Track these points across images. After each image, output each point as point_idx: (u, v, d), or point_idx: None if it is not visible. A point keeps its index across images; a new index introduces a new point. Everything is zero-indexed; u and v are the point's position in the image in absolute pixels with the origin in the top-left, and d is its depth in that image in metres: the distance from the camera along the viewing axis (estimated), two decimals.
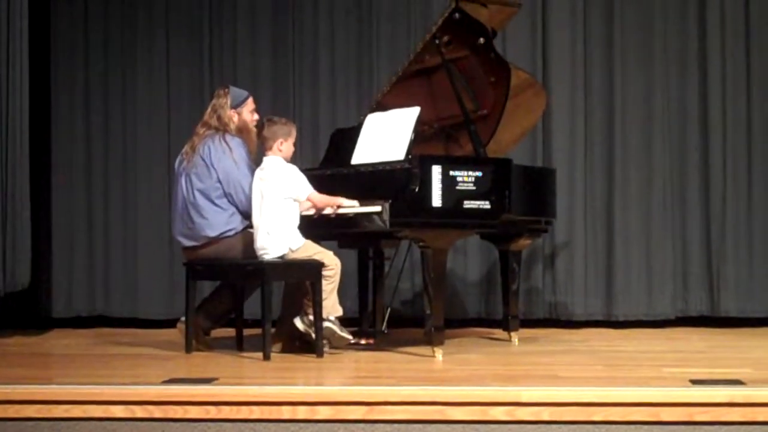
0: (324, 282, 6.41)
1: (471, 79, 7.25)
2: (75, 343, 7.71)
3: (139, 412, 4.76)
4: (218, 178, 6.70)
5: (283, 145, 6.55)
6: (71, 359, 6.86)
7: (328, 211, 6.56)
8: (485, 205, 6.44)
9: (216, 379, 5.25)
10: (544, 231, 7.54)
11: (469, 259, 8.71)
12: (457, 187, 6.34)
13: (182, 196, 6.81)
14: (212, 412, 4.74)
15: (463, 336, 7.82)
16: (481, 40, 7.10)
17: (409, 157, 6.47)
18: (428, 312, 6.45)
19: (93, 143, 9.04)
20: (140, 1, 9.05)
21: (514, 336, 7.40)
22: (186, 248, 6.86)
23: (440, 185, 6.27)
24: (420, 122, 6.71)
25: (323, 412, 4.70)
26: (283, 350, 6.65)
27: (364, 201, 6.44)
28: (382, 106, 7.09)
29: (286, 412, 4.71)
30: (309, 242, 6.50)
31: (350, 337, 6.59)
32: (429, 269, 6.39)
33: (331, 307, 6.46)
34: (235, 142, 6.78)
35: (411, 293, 8.66)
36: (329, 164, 7.19)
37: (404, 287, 8.48)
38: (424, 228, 6.31)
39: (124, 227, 8.99)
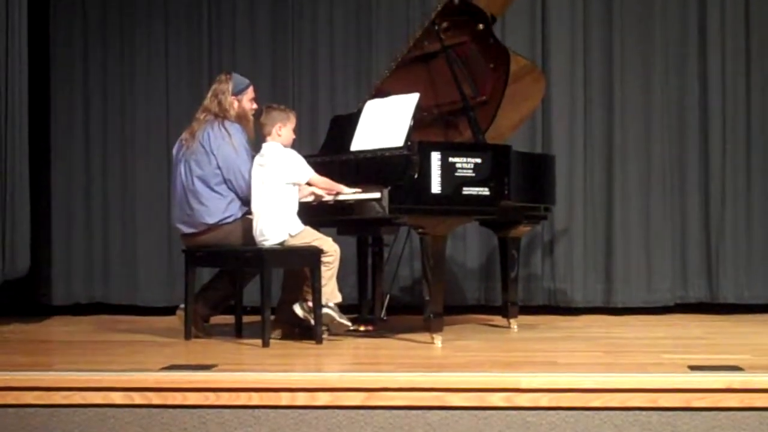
0: (323, 268, 6.41)
1: (470, 66, 7.25)
2: (74, 330, 7.72)
3: (138, 398, 4.76)
4: (217, 164, 6.69)
5: (282, 130, 6.54)
6: (70, 346, 6.87)
7: (327, 198, 6.56)
8: (484, 191, 6.44)
9: (215, 365, 5.25)
10: (543, 218, 7.53)
11: (468, 245, 8.71)
12: (456, 174, 6.34)
13: (181, 182, 6.80)
14: (211, 398, 4.74)
15: (462, 323, 7.83)
16: (480, 26, 7.09)
17: (409, 143, 6.46)
18: (427, 299, 6.45)
19: (92, 130, 9.04)
20: None
21: (513, 323, 7.40)
22: (185, 235, 6.85)
23: (439, 172, 6.27)
24: (419, 109, 6.70)
25: (322, 399, 4.70)
26: (283, 337, 6.66)
27: (363, 188, 6.44)
28: (381, 93, 7.08)
29: (285, 399, 4.72)
30: (308, 228, 6.49)
31: (349, 323, 6.60)
32: (428, 256, 6.39)
33: (330, 294, 6.46)
34: (235, 129, 6.77)
35: (410, 280, 8.67)
36: (328, 151, 7.19)
37: (403, 274, 8.49)
38: (423, 215, 6.31)
39: (123, 214, 8.99)
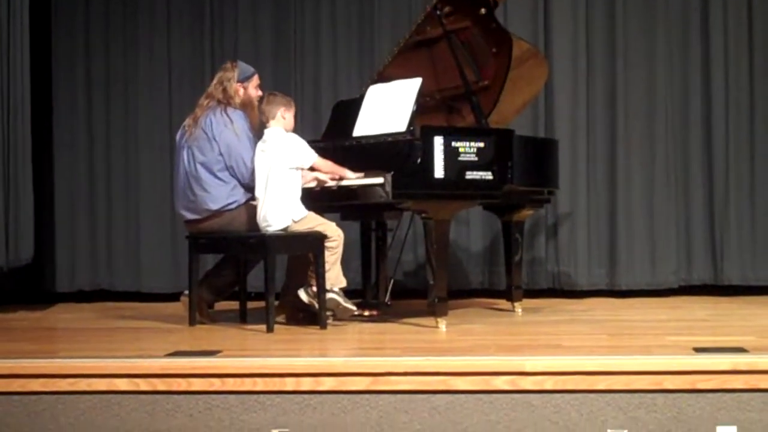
0: (327, 253, 6.41)
1: (472, 50, 7.23)
2: (79, 318, 7.73)
3: (143, 385, 4.77)
4: (220, 150, 6.69)
5: (286, 115, 6.54)
6: (75, 333, 6.88)
7: (330, 183, 6.56)
8: (487, 175, 6.44)
9: (220, 351, 5.26)
10: (546, 201, 7.53)
11: (472, 229, 8.71)
12: (459, 158, 6.33)
13: (184, 169, 6.80)
14: (216, 384, 4.75)
15: (467, 307, 7.83)
16: (483, 10, 7.08)
17: (411, 128, 6.45)
18: (431, 283, 6.45)
19: (95, 118, 9.03)
20: None
21: (518, 306, 7.41)
22: (188, 221, 6.85)
23: (442, 156, 6.27)
24: (422, 93, 6.69)
25: (327, 384, 4.71)
26: (287, 321, 6.67)
27: (366, 173, 6.44)
28: (383, 78, 7.07)
29: (290, 384, 4.73)
30: (312, 214, 6.49)
31: (354, 308, 6.60)
32: (432, 240, 6.39)
33: (335, 279, 6.47)
34: (237, 115, 6.77)
35: (414, 265, 8.66)
36: (331, 136, 7.18)
37: (407, 259, 8.48)
38: (427, 199, 6.31)
39: (127, 201, 8.99)
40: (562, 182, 7.77)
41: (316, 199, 6.64)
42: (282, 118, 6.53)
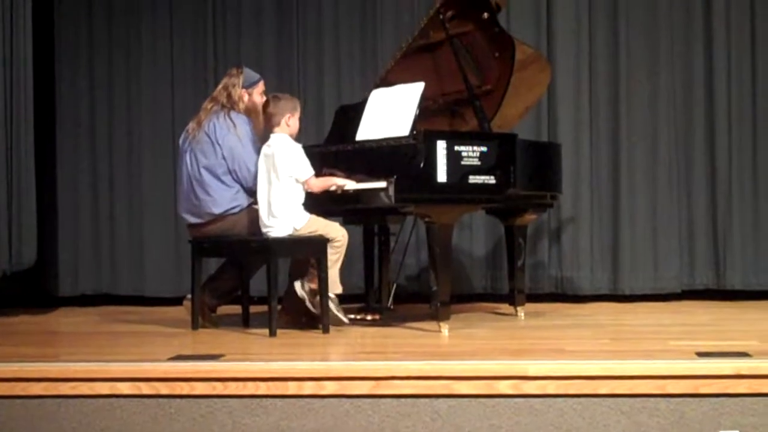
0: (330, 251, 6.41)
1: (475, 54, 7.23)
2: (81, 321, 7.73)
3: (145, 388, 4.77)
4: (223, 154, 6.70)
5: (291, 121, 6.54)
6: (78, 337, 6.88)
7: (333, 188, 6.55)
8: (490, 180, 6.44)
9: (222, 355, 5.26)
10: (549, 206, 7.53)
11: (475, 234, 8.71)
12: (462, 163, 6.33)
13: (187, 172, 6.81)
14: (219, 388, 4.75)
15: (469, 311, 7.83)
16: (485, 14, 7.08)
17: (414, 132, 6.45)
18: (434, 287, 6.44)
19: (97, 122, 9.05)
20: None
21: (520, 310, 7.40)
22: (191, 225, 6.86)
23: (445, 161, 6.27)
24: (425, 98, 6.69)
25: (330, 388, 4.71)
26: (289, 325, 6.65)
27: (369, 177, 6.43)
28: (386, 82, 7.07)
29: (292, 388, 4.72)
30: (313, 217, 6.49)
31: (346, 320, 6.56)
32: (435, 245, 6.39)
33: (332, 284, 6.45)
34: (240, 120, 6.78)
35: (417, 269, 8.66)
36: (334, 141, 7.19)
37: (410, 263, 8.48)
38: (430, 203, 6.31)
39: (130, 205, 9.00)
40: (565, 187, 7.75)
41: (318, 203, 6.63)
42: (286, 125, 6.53)
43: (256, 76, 7.00)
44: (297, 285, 6.53)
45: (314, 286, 6.49)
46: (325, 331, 6.36)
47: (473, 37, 7.21)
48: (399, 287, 7.62)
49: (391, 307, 7.30)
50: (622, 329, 6.70)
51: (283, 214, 6.40)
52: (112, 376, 4.81)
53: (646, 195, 8.56)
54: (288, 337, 6.28)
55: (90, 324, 7.51)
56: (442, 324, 6.36)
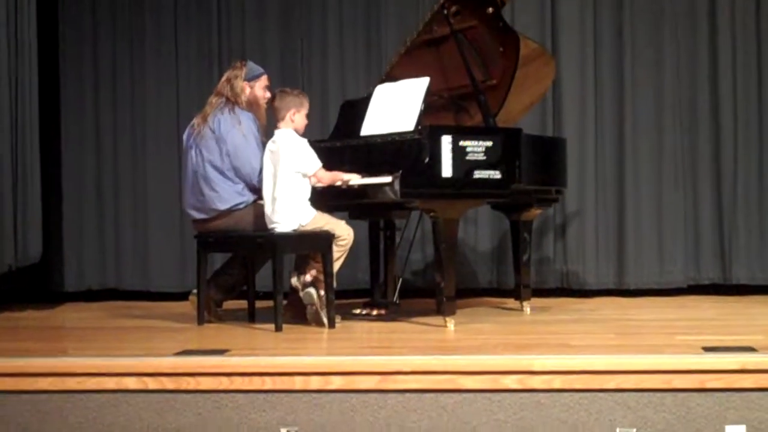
0: (334, 248, 6.41)
1: (480, 49, 7.23)
2: (87, 317, 7.74)
3: (151, 383, 4.78)
4: (227, 151, 6.70)
5: (296, 116, 6.53)
6: (84, 332, 6.89)
7: (339, 183, 6.55)
8: (495, 175, 6.43)
9: (228, 350, 5.26)
10: (554, 200, 7.52)
11: (480, 229, 8.71)
12: (467, 158, 6.33)
13: (192, 168, 6.81)
14: (224, 383, 4.76)
15: (475, 306, 7.82)
16: (490, 9, 7.08)
17: (419, 127, 6.45)
18: (440, 282, 6.44)
19: (102, 116, 9.04)
20: None
21: (526, 305, 7.40)
22: (196, 221, 6.86)
23: (450, 155, 6.26)
24: (429, 93, 6.68)
25: (336, 382, 4.71)
26: (295, 319, 6.65)
27: (374, 172, 6.43)
28: (391, 77, 7.07)
29: (298, 383, 4.73)
30: (319, 214, 6.49)
31: (325, 322, 6.45)
32: (440, 239, 6.39)
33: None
34: (245, 116, 6.77)
35: (422, 264, 8.67)
36: (339, 136, 7.18)
37: (415, 258, 8.48)
38: (435, 198, 6.31)
39: (135, 200, 9.00)
40: (570, 181, 7.75)
41: (324, 198, 6.64)
42: (291, 121, 6.52)
43: (259, 70, 7.00)
44: (293, 278, 6.52)
45: (309, 278, 6.48)
46: (331, 325, 6.36)
47: (478, 31, 7.20)
48: (404, 282, 7.63)
49: (397, 302, 7.29)
50: (627, 324, 6.70)
51: (289, 210, 6.39)
52: (118, 371, 4.82)
53: (652, 189, 8.55)
54: (294, 332, 6.28)
55: (96, 319, 7.52)
56: (447, 319, 6.36)
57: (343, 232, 6.49)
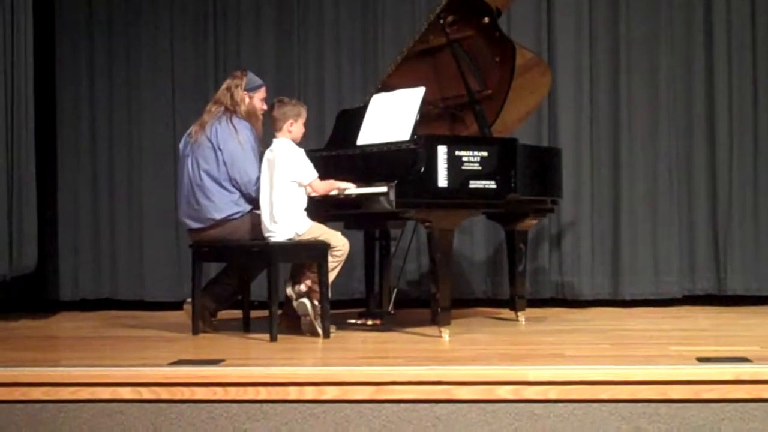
0: (329, 258, 6.41)
1: (476, 59, 7.23)
2: (82, 326, 7.72)
3: (146, 393, 4.77)
4: (224, 160, 6.69)
5: (293, 126, 6.55)
6: (78, 342, 6.87)
7: (334, 192, 6.55)
8: (491, 185, 6.44)
9: (223, 360, 5.25)
10: (550, 211, 7.52)
11: (476, 239, 8.71)
12: (463, 168, 6.33)
13: (188, 177, 6.80)
14: (219, 393, 4.75)
15: (470, 316, 7.83)
16: (486, 19, 7.09)
17: (415, 137, 6.45)
18: (435, 292, 6.44)
19: (98, 126, 9.05)
20: None
21: (521, 316, 7.40)
22: (192, 230, 6.86)
23: (446, 165, 6.27)
24: (425, 102, 6.69)
25: (330, 393, 4.71)
26: (290, 329, 6.65)
27: (369, 182, 6.43)
28: (387, 87, 7.07)
29: (293, 393, 4.73)
30: (315, 224, 6.49)
31: (320, 332, 6.46)
32: (435, 250, 6.39)
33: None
34: (242, 125, 6.77)
35: (417, 274, 8.67)
36: (335, 145, 7.19)
37: (411, 268, 8.49)
38: (430, 208, 6.31)
39: (130, 210, 9.00)
40: (566, 191, 7.75)
41: (320, 208, 6.64)
42: (288, 132, 6.53)
43: (259, 81, 7.01)
44: (288, 287, 6.52)
45: (303, 288, 6.48)
46: (326, 336, 6.36)
47: (474, 41, 7.21)
48: (400, 292, 7.63)
49: (392, 312, 7.29)
50: (622, 334, 6.69)
51: (285, 219, 6.40)
52: (113, 381, 4.81)
53: (647, 200, 8.56)
54: (289, 342, 6.28)
55: (90, 329, 7.51)
56: (442, 329, 6.36)
57: (339, 242, 6.49)
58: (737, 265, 8.46)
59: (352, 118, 7.11)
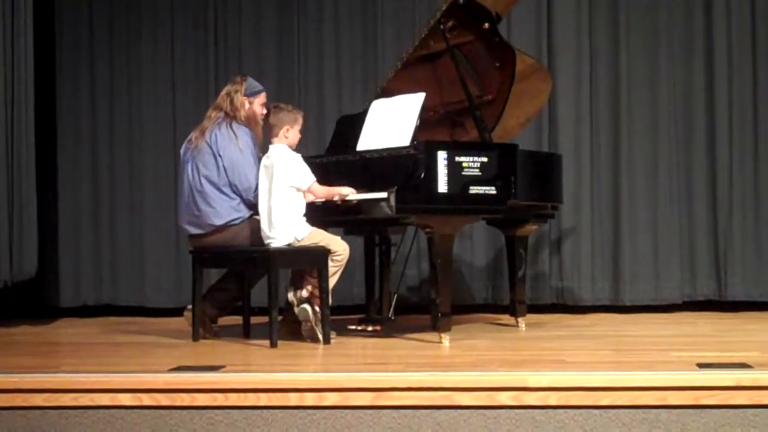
0: (330, 263, 6.41)
1: (476, 65, 7.24)
2: (82, 332, 7.72)
3: (146, 400, 4.77)
4: (224, 166, 6.69)
5: (289, 132, 6.54)
6: (79, 348, 6.87)
7: (335, 198, 6.55)
8: (491, 190, 6.44)
9: (223, 366, 5.25)
10: (550, 216, 7.52)
11: (476, 244, 8.71)
12: (463, 173, 6.33)
13: (188, 183, 6.80)
14: (220, 399, 4.74)
15: (470, 322, 7.82)
16: (486, 25, 7.09)
17: (415, 143, 6.46)
18: (435, 298, 6.44)
19: (98, 131, 9.06)
20: None
21: (521, 321, 7.40)
22: (192, 236, 6.85)
23: (446, 171, 6.27)
24: (425, 108, 6.70)
25: (331, 399, 4.70)
26: (290, 335, 6.64)
27: (369, 188, 6.43)
28: (387, 92, 7.08)
29: (293, 399, 4.72)
30: (315, 230, 6.49)
31: (321, 338, 6.46)
32: (435, 255, 6.39)
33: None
34: (242, 131, 6.77)
35: (417, 280, 8.66)
36: (335, 151, 7.19)
37: (411, 274, 8.49)
38: (430, 214, 6.31)
39: (131, 216, 9.00)
40: (566, 197, 7.75)
41: (320, 214, 6.64)
42: (284, 137, 6.53)
43: (259, 86, 7.00)
44: (289, 293, 6.52)
45: (305, 294, 6.48)
46: (326, 342, 6.36)
47: (474, 47, 7.21)
48: (400, 298, 7.61)
49: (392, 317, 7.28)
50: (623, 340, 6.69)
51: (284, 225, 6.39)
52: (113, 387, 4.80)
53: (647, 205, 8.56)
54: (289, 348, 6.27)
55: (91, 335, 7.50)
56: (443, 335, 6.36)
57: (339, 247, 6.49)
58: (738, 270, 8.46)
59: (352, 124, 7.11)
